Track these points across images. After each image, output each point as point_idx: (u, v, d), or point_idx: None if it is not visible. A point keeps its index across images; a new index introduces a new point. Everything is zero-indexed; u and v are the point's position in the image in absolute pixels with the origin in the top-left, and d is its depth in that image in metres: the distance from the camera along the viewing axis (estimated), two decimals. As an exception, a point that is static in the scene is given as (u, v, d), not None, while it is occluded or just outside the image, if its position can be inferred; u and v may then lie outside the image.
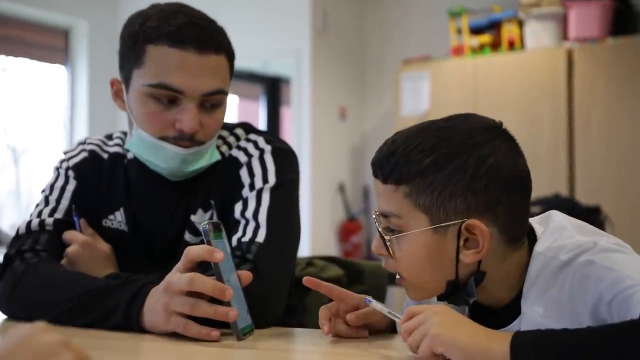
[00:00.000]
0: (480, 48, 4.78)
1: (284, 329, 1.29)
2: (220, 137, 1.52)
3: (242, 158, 1.48)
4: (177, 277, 1.15)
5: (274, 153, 1.47)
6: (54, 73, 5.40)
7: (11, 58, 5.15)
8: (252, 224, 1.38)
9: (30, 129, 5.30)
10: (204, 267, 1.18)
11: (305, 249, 4.78)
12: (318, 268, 1.75)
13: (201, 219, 1.46)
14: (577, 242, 1.01)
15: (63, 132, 5.40)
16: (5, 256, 1.41)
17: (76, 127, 5.36)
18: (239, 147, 1.50)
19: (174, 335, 1.15)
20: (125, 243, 1.48)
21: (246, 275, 1.20)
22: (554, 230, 1.05)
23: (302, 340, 1.28)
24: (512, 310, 1.06)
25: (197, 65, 1.36)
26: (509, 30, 4.69)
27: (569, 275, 0.99)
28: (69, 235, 1.44)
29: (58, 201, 1.48)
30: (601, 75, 4.35)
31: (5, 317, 1.36)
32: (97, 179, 1.51)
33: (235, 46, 1.46)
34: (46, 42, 5.37)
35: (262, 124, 5.88)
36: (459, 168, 1.01)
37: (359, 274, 1.79)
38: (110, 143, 1.57)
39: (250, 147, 1.49)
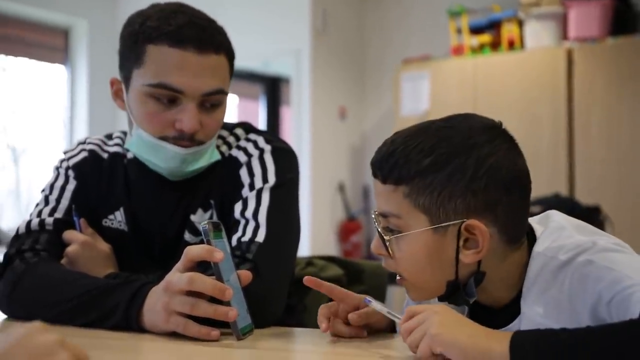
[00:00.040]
0: (480, 48, 4.79)
1: (283, 328, 1.30)
2: (220, 137, 1.52)
3: (242, 158, 1.48)
4: (177, 276, 1.15)
5: (273, 153, 1.47)
6: (54, 73, 5.40)
7: (11, 57, 5.15)
8: (251, 224, 1.38)
9: (30, 128, 5.30)
10: (203, 266, 1.18)
11: (305, 249, 4.78)
12: (318, 268, 1.75)
13: (201, 218, 1.46)
14: (577, 242, 1.01)
15: (63, 131, 5.40)
16: (5, 255, 1.41)
17: (76, 126, 5.36)
18: (238, 147, 1.50)
19: (174, 335, 1.16)
20: (125, 243, 1.48)
21: (246, 274, 1.20)
22: (553, 230, 1.05)
23: (302, 340, 1.28)
24: (511, 310, 1.06)
25: (197, 65, 1.36)
26: (508, 30, 4.69)
27: (569, 275, 1.00)
28: (68, 234, 1.44)
29: (58, 201, 1.48)
30: (601, 75, 4.35)
31: (5, 316, 1.36)
32: (97, 179, 1.51)
33: (235, 46, 1.46)
34: (46, 42, 5.37)
35: (262, 123, 5.88)
36: (459, 168, 1.01)
37: (359, 273, 1.79)
38: (110, 143, 1.57)
39: (250, 147, 1.49)
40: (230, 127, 1.55)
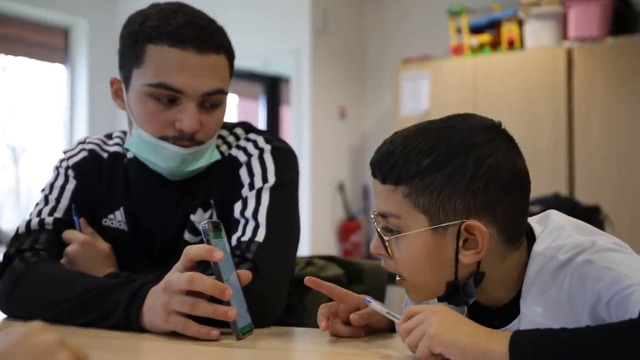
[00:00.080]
0: (480, 47, 4.79)
1: (283, 328, 1.30)
2: (220, 137, 1.52)
3: (242, 157, 1.48)
4: (177, 276, 1.15)
5: (273, 152, 1.47)
6: (54, 72, 5.40)
7: (11, 57, 5.15)
8: (251, 224, 1.38)
9: (29, 128, 5.30)
10: (203, 266, 1.18)
11: (304, 248, 4.79)
12: (318, 267, 1.75)
13: (201, 218, 1.46)
14: (576, 242, 1.01)
15: (63, 131, 5.40)
16: (5, 255, 1.41)
17: (76, 126, 5.36)
18: (238, 147, 1.50)
19: (174, 335, 1.16)
20: (124, 242, 1.48)
21: (246, 274, 1.20)
22: (552, 230, 1.05)
23: (302, 340, 1.28)
24: (511, 310, 1.06)
25: (197, 65, 1.36)
26: (508, 30, 4.69)
27: (568, 274, 1.00)
28: (68, 234, 1.44)
29: (58, 200, 1.48)
30: (601, 75, 4.35)
31: (4, 316, 1.36)
32: (96, 179, 1.51)
33: (235, 45, 1.46)
34: (46, 41, 5.37)
35: (261, 123, 5.88)
36: (458, 168, 1.01)
37: (359, 273, 1.79)
38: (110, 142, 1.57)
39: (250, 147, 1.49)
40: (230, 127, 1.55)
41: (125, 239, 1.48)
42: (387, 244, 1.06)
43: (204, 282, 1.13)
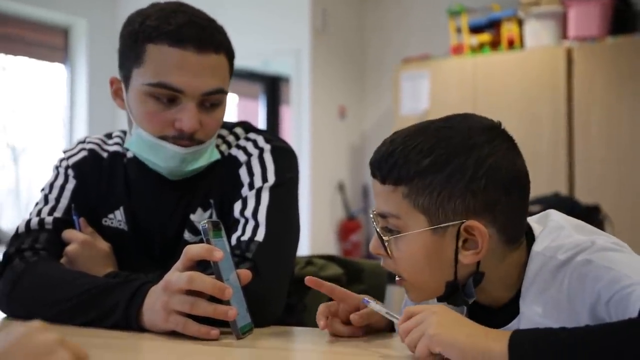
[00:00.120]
0: (480, 47, 4.79)
1: (283, 327, 1.30)
2: (220, 136, 1.52)
3: (242, 157, 1.48)
4: (177, 275, 1.15)
5: (273, 152, 1.47)
6: (54, 72, 5.40)
7: (10, 57, 5.15)
8: (251, 223, 1.38)
9: (29, 127, 5.30)
10: (203, 265, 1.18)
11: (304, 248, 4.79)
12: (317, 267, 1.75)
13: (200, 218, 1.46)
14: (575, 242, 1.01)
15: (62, 131, 5.40)
16: (5, 255, 1.41)
17: (76, 126, 5.36)
18: (238, 146, 1.50)
19: (173, 334, 1.16)
20: (124, 242, 1.48)
21: (245, 274, 1.20)
22: (552, 230, 1.05)
23: (302, 339, 1.28)
24: (510, 310, 1.06)
25: (197, 65, 1.36)
26: (508, 29, 4.69)
27: (567, 274, 0.99)
28: (68, 234, 1.44)
29: (58, 200, 1.48)
30: (601, 74, 4.35)
31: (4, 315, 1.36)
32: (96, 178, 1.51)
33: (235, 45, 1.46)
34: (46, 41, 5.37)
35: (261, 123, 5.88)
36: (458, 169, 1.01)
37: (359, 272, 1.79)
38: (110, 142, 1.57)
39: (250, 146, 1.49)
40: (229, 127, 1.55)
41: (125, 239, 1.48)
42: (386, 243, 1.06)
43: (204, 282, 1.13)
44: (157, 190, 1.48)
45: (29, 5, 4.97)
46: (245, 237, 1.36)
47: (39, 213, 1.46)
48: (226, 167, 1.47)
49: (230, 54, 1.44)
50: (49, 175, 1.55)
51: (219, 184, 1.47)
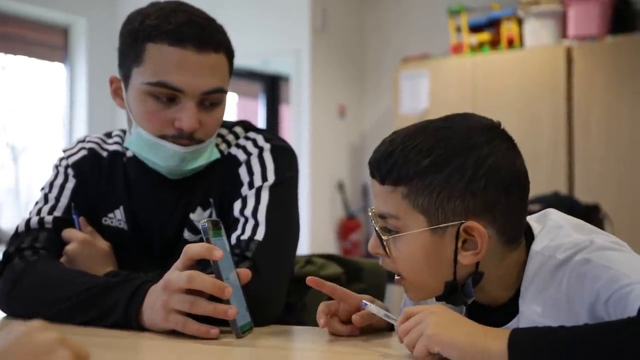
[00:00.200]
0: (480, 46, 4.79)
1: (283, 326, 1.30)
2: (220, 136, 1.52)
3: (241, 156, 1.48)
4: (176, 275, 1.15)
5: (273, 151, 1.47)
6: (53, 71, 5.40)
7: (10, 56, 5.15)
8: (251, 222, 1.38)
9: (29, 127, 5.30)
10: (203, 265, 1.18)
11: (304, 247, 4.79)
12: (317, 266, 1.75)
13: (200, 217, 1.46)
14: (574, 241, 1.01)
15: (62, 130, 5.40)
16: (5, 254, 1.41)
17: (75, 125, 5.35)
18: (238, 145, 1.50)
19: (173, 333, 1.16)
20: (124, 241, 1.48)
21: (245, 273, 1.20)
22: (551, 229, 1.05)
23: (301, 338, 1.28)
24: (510, 309, 1.06)
25: (197, 64, 1.36)
26: (508, 29, 4.69)
27: (566, 274, 0.99)
28: (68, 233, 1.44)
29: (57, 199, 1.48)
30: (600, 74, 4.35)
31: (4, 314, 1.36)
32: (96, 177, 1.51)
33: (234, 44, 1.46)
34: (45, 40, 5.37)
35: (261, 122, 5.88)
36: (458, 169, 1.01)
37: (358, 272, 1.79)
38: (110, 141, 1.57)
39: (249, 145, 1.49)
40: (229, 126, 1.55)
41: (125, 238, 1.48)
42: (385, 243, 1.06)
43: (204, 281, 1.13)
44: (156, 189, 1.48)
45: (28, 4, 4.97)
46: (245, 236, 1.36)
47: (38, 212, 1.46)
48: (226, 166, 1.47)
49: (230, 53, 1.44)
50: (48, 175, 1.55)
51: (218, 183, 1.47)
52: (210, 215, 1.46)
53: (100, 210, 1.50)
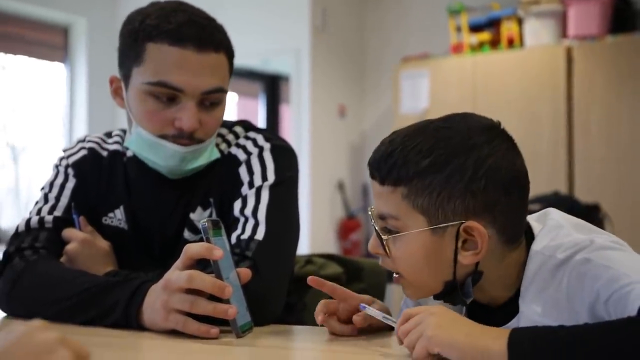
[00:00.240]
0: (480, 46, 4.78)
1: (283, 326, 1.30)
2: (220, 135, 1.52)
3: (241, 156, 1.48)
4: (176, 274, 1.15)
5: (273, 151, 1.47)
6: (53, 71, 5.40)
7: (10, 55, 5.15)
8: (251, 222, 1.38)
9: (29, 126, 5.30)
10: (203, 264, 1.18)
11: (304, 247, 4.79)
12: (317, 266, 1.75)
13: (200, 216, 1.46)
14: (574, 240, 1.01)
15: (62, 129, 5.40)
16: (5, 253, 1.41)
17: (75, 124, 5.35)
18: (238, 145, 1.50)
19: (173, 333, 1.16)
20: (124, 241, 1.48)
21: (245, 272, 1.20)
22: (551, 229, 1.05)
23: (301, 338, 1.28)
24: (510, 309, 1.06)
25: (197, 64, 1.36)
26: (508, 28, 4.69)
27: (566, 273, 0.99)
28: (68, 232, 1.44)
29: (57, 199, 1.48)
30: (600, 73, 4.35)
31: (4, 314, 1.36)
32: (96, 177, 1.52)
33: (234, 44, 1.46)
34: (45, 40, 5.37)
35: (261, 121, 5.88)
36: (458, 169, 1.01)
37: (358, 271, 1.79)
38: (110, 141, 1.57)
39: (250, 145, 1.49)
40: (229, 125, 1.55)
41: (125, 238, 1.48)
42: (385, 243, 1.06)
43: (204, 280, 1.13)
44: (156, 189, 1.48)
45: (28, 4, 4.97)
46: (245, 236, 1.36)
47: (39, 212, 1.46)
48: (226, 166, 1.47)
49: (230, 53, 1.44)
50: (48, 174, 1.55)
51: (218, 183, 1.47)
52: (210, 215, 1.46)
53: (100, 209, 1.50)
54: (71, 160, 1.53)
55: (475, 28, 4.82)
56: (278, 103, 6.01)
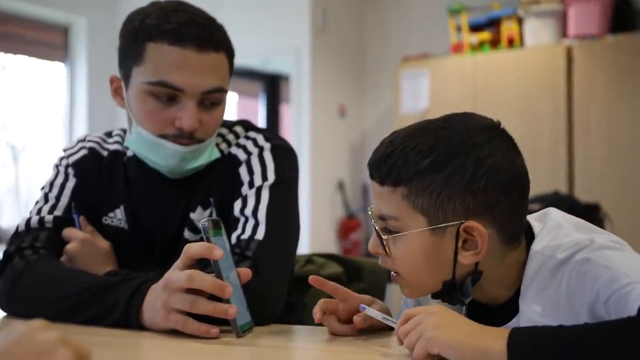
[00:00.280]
0: (480, 45, 4.78)
1: (283, 326, 1.30)
2: (220, 135, 1.52)
3: (242, 156, 1.48)
4: (177, 274, 1.15)
5: (273, 150, 1.47)
6: (53, 70, 5.40)
7: (10, 55, 5.15)
8: (251, 222, 1.38)
9: (29, 126, 5.30)
10: (203, 264, 1.18)
11: (304, 247, 4.79)
12: (317, 265, 1.75)
13: (200, 216, 1.46)
14: (574, 240, 1.01)
15: (62, 129, 5.40)
16: (5, 253, 1.41)
17: (75, 124, 5.35)
18: (238, 145, 1.50)
19: (173, 333, 1.16)
20: (124, 240, 1.48)
21: (245, 272, 1.20)
22: (551, 229, 1.05)
23: (301, 338, 1.28)
24: (510, 309, 1.06)
25: (197, 63, 1.36)
26: (508, 28, 4.69)
27: (566, 273, 0.99)
28: (68, 232, 1.44)
29: (58, 198, 1.48)
30: (601, 73, 4.35)
31: (5, 314, 1.36)
32: (96, 177, 1.52)
33: (235, 44, 1.46)
34: (45, 40, 5.37)
35: (261, 121, 5.88)
36: (458, 169, 1.01)
37: (358, 271, 1.79)
38: (110, 140, 1.57)
39: (250, 145, 1.49)
40: (229, 125, 1.55)
41: (125, 237, 1.48)
42: (385, 243, 1.06)
43: (204, 280, 1.13)
44: (157, 188, 1.48)
45: (29, 3, 4.97)
46: (245, 236, 1.36)
47: (39, 211, 1.46)
48: (226, 166, 1.47)
49: (230, 53, 1.44)
50: (49, 174, 1.55)
51: (218, 183, 1.47)
52: (210, 215, 1.46)
53: (100, 209, 1.50)
54: (71, 159, 1.53)
55: (475, 28, 4.82)
56: (278, 103, 6.01)
